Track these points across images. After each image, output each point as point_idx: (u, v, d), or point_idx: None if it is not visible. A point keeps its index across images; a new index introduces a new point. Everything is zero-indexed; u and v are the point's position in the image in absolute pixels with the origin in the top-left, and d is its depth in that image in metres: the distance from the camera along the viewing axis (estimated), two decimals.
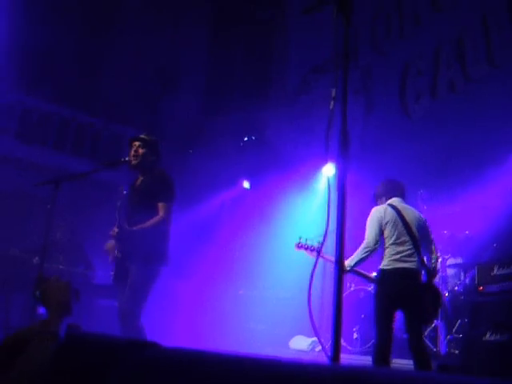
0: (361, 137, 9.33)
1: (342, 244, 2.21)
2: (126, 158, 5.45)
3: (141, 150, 5.37)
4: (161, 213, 5.23)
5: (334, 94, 2.31)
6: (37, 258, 6.60)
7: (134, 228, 5.15)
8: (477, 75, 8.47)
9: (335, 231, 2.25)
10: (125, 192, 5.40)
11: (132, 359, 1.46)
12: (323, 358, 6.56)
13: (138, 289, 5.09)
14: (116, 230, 5.16)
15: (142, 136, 5.47)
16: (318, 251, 5.03)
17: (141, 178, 5.47)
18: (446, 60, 8.90)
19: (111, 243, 5.31)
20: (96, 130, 11.09)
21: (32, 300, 2.02)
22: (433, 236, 5.49)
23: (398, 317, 5.16)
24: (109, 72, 10.29)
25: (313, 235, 6.89)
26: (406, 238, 5.17)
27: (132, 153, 5.39)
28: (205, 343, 7.63)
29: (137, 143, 5.42)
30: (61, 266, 7.64)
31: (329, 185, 2.45)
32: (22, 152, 10.13)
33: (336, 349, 1.99)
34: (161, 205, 5.25)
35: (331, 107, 2.31)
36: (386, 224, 5.19)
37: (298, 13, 11.34)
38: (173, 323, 8.17)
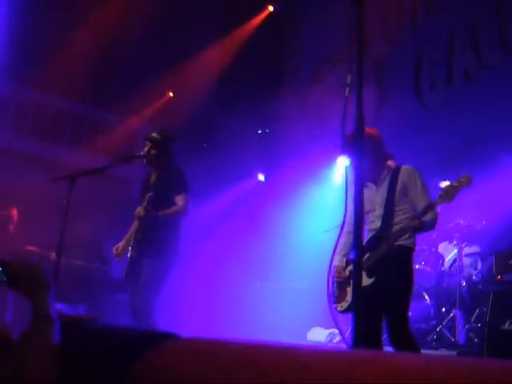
0: (374, 127, 9.24)
1: (360, 232, 2.20)
2: (141, 153, 5.51)
3: (152, 151, 5.46)
4: (180, 203, 5.31)
5: (349, 80, 2.30)
6: (54, 254, 6.63)
7: (159, 213, 5.21)
8: (492, 62, 8.38)
9: (353, 220, 2.24)
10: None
11: (154, 351, 1.47)
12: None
13: (151, 284, 5.12)
14: (142, 211, 5.19)
15: (154, 135, 5.53)
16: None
17: (155, 174, 5.55)
18: (460, 47, 8.80)
19: (120, 246, 5.38)
20: (110, 126, 11.12)
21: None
22: None
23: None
24: (123, 68, 10.31)
25: (329, 226, 6.87)
26: None
27: (144, 152, 5.50)
28: (222, 335, 7.62)
29: (148, 143, 5.51)
30: (78, 262, 7.68)
31: (346, 175, 2.42)
32: (37, 149, 10.18)
33: (357, 337, 1.98)
34: (179, 197, 5.32)
35: (346, 94, 2.29)
36: None
37: (311, 3, 11.28)
38: (190, 315, 8.20)
